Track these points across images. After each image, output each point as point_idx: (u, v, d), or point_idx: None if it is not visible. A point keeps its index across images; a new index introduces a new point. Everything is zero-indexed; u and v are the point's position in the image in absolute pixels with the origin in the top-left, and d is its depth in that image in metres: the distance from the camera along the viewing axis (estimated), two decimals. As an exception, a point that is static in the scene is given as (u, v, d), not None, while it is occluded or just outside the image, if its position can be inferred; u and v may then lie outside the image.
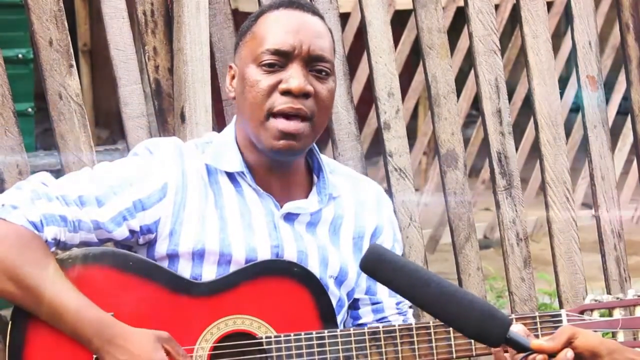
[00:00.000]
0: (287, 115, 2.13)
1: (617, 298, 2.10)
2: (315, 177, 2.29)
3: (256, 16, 2.23)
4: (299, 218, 2.24)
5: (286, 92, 2.13)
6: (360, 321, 2.33)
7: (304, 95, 2.13)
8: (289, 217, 2.23)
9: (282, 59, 2.15)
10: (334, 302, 2.20)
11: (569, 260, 3.08)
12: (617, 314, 2.10)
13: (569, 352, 1.82)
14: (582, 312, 2.11)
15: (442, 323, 2.05)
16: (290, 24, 2.17)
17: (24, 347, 2.03)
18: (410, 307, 2.36)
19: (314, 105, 2.15)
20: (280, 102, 2.13)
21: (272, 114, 2.13)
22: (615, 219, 3.20)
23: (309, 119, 2.15)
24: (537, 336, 2.10)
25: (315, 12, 2.24)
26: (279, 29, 2.16)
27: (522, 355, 1.82)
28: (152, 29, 2.65)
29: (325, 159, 2.31)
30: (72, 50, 2.52)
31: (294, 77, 2.13)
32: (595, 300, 2.11)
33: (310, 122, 2.15)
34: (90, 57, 6.77)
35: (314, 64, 2.16)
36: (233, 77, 2.25)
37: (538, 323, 2.14)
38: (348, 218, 2.29)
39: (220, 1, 2.74)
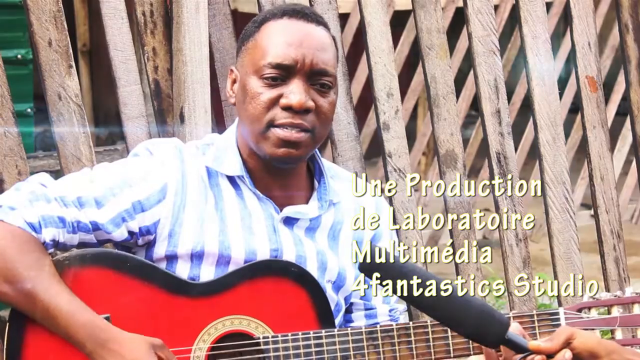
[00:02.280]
0: (287, 127, 2.12)
1: (615, 296, 2.10)
2: (316, 182, 2.29)
3: (259, 23, 2.20)
4: (298, 223, 2.24)
5: (287, 108, 2.12)
6: (352, 324, 2.33)
7: (305, 110, 2.13)
8: (289, 222, 2.23)
9: (284, 72, 2.13)
10: (331, 307, 2.20)
11: (568, 261, 3.08)
12: (615, 311, 2.10)
13: (567, 353, 1.83)
14: (579, 310, 2.11)
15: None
16: (293, 35, 2.14)
17: (22, 348, 2.03)
18: (401, 313, 2.37)
19: (314, 119, 2.15)
20: (280, 117, 2.12)
21: (273, 126, 2.13)
22: (615, 219, 3.20)
23: (310, 131, 2.15)
24: (534, 334, 2.10)
25: (319, 22, 2.20)
26: (281, 41, 2.14)
27: (520, 356, 1.82)
28: (151, 29, 2.65)
29: (326, 164, 2.31)
30: (71, 50, 2.52)
31: (295, 92, 2.12)
32: (594, 298, 2.11)
33: (311, 133, 2.15)
34: (90, 58, 6.76)
35: (316, 78, 2.15)
36: (234, 82, 2.24)
37: (536, 321, 2.14)
38: (347, 224, 2.29)
39: (219, 2, 2.74)
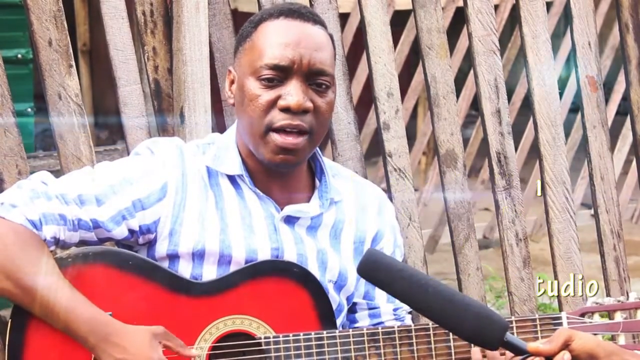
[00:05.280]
0: (285, 130, 2.12)
1: (619, 301, 2.10)
2: (317, 181, 2.29)
3: (256, 23, 2.19)
4: (300, 221, 2.24)
5: (285, 109, 2.12)
6: (356, 325, 2.33)
7: (303, 111, 2.12)
8: (290, 220, 2.23)
9: (281, 73, 2.12)
10: (333, 307, 2.20)
11: (568, 261, 3.08)
12: (618, 316, 2.09)
13: (566, 355, 1.83)
14: (582, 315, 2.11)
15: (440, 325, 2.05)
16: (290, 36, 2.13)
17: (23, 347, 2.03)
18: (408, 312, 2.36)
19: (312, 119, 2.14)
20: (279, 119, 2.12)
21: (271, 129, 2.13)
22: (615, 219, 3.20)
23: (308, 132, 2.14)
24: (537, 339, 2.10)
25: (316, 21, 2.19)
26: (278, 41, 2.13)
27: (519, 358, 1.82)
28: (151, 29, 2.65)
29: (328, 163, 2.31)
30: (71, 50, 2.52)
31: (293, 93, 2.11)
32: (597, 303, 2.10)
33: (309, 135, 2.15)
34: (90, 57, 6.77)
35: (313, 78, 2.14)
36: (232, 82, 2.24)
37: (538, 325, 2.14)
38: (349, 222, 2.29)
39: (219, 1, 2.74)
